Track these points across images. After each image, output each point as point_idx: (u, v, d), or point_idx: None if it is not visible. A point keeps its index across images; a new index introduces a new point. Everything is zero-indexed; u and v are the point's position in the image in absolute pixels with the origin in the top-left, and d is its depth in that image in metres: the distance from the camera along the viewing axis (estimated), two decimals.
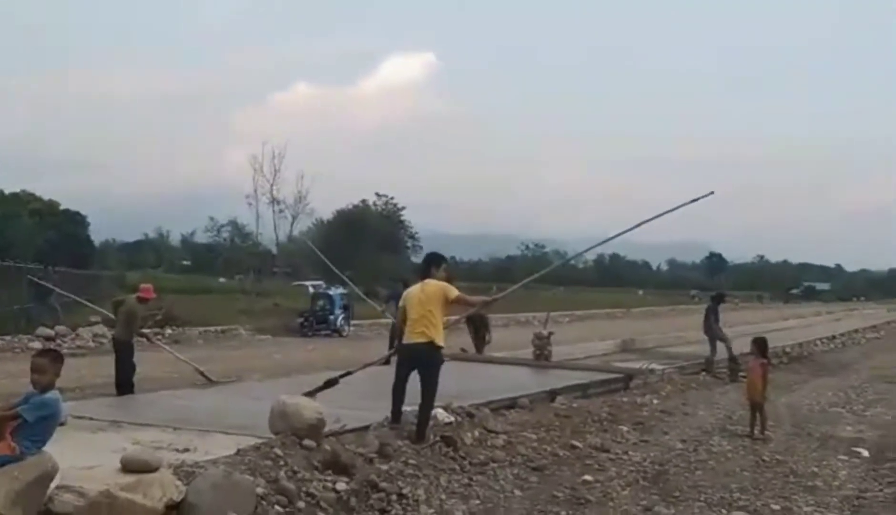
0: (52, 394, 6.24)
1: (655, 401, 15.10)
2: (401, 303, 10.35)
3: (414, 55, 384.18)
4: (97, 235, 66.01)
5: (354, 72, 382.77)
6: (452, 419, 10.49)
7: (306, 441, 8.32)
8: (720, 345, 20.06)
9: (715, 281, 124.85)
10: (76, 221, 62.42)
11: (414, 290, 10.22)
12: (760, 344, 13.34)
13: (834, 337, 33.42)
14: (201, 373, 15.63)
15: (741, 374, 17.55)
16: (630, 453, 10.82)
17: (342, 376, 11.66)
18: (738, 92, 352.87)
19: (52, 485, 6.10)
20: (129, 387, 13.70)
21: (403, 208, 78.29)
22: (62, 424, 8.15)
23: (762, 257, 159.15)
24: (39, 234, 50.63)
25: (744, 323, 34.34)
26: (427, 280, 10.20)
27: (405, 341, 10.13)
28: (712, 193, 13.00)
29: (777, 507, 8.63)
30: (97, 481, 6.22)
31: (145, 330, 15.14)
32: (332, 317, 32.72)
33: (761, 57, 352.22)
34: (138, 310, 14.16)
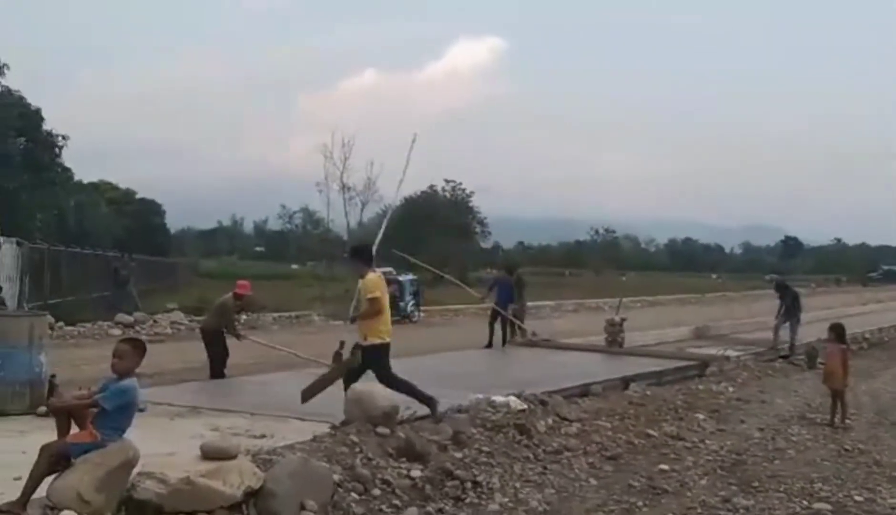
0: (129, 382, 6.34)
1: (731, 389, 14.85)
2: (379, 294, 10.03)
3: (481, 39, 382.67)
4: (173, 223, 67.41)
5: (421, 57, 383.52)
6: (525, 406, 10.44)
7: (380, 428, 8.37)
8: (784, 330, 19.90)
9: (790, 265, 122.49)
10: (153, 209, 63.82)
11: (382, 281, 10.23)
12: (838, 330, 13.03)
13: None
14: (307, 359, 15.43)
15: (819, 361, 17.17)
16: (706, 441, 10.66)
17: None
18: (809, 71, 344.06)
19: (134, 472, 6.21)
20: (220, 372, 14.05)
21: (472, 194, 78.06)
22: (141, 410, 8.33)
23: (839, 239, 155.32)
24: (117, 222, 51.78)
25: (821, 308, 33.55)
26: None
27: (389, 337, 10.13)
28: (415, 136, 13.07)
29: (860, 498, 8.42)
30: (178, 468, 6.32)
31: (239, 327, 15.32)
32: (402, 303, 32.80)
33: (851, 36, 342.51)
34: (231, 305, 14.46)
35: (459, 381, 12.90)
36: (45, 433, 6.93)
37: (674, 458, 9.74)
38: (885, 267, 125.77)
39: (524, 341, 20.56)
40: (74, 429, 6.37)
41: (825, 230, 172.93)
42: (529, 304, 24.36)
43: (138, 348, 6.50)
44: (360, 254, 10.56)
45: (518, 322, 20.83)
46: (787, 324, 20.06)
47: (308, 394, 10.36)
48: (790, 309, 20.14)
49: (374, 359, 10.03)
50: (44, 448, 6.11)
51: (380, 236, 12.75)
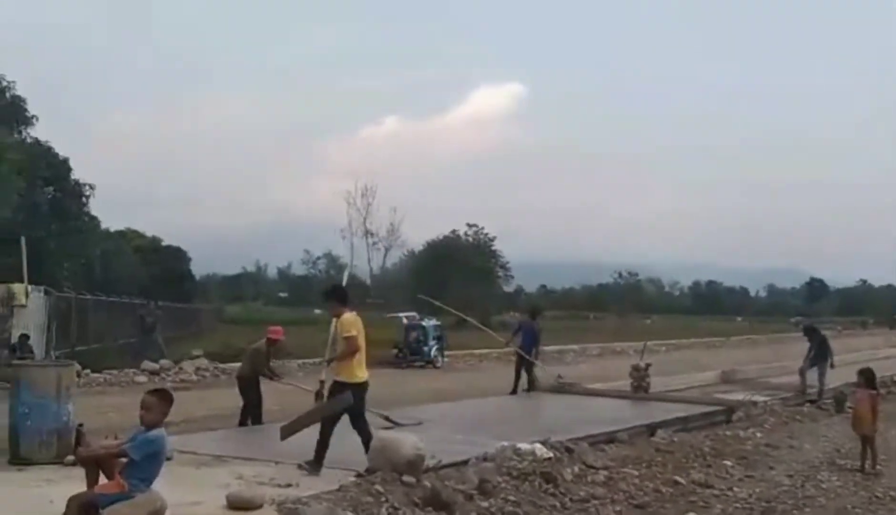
0: (157, 432, 6.39)
1: (759, 434, 14.69)
2: (355, 333, 10.06)
3: (502, 85, 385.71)
4: (198, 269, 67.81)
5: (442, 103, 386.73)
6: (551, 454, 10.39)
7: (406, 477, 8.35)
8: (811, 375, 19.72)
9: (815, 307, 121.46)
10: (178, 256, 64.26)
11: (360, 322, 10.24)
12: (868, 375, 12.89)
13: None
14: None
15: (848, 405, 16.97)
16: (735, 489, 10.53)
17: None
18: (832, 107, 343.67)
19: None
20: (258, 419, 14.09)
21: (494, 238, 78.24)
22: (168, 459, 8.35)
23: (865, 281, 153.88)
24: (143, 270, 52.17)
25: (848, 351, 33.20)
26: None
27: (365, 377, 10.13)
28: None
29: None
30: None
31: (274, 367, 15.41)
32: (425, 348, 32.81)
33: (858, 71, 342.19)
34: (264, 350, 14.44)
35: (485, 428, 12.86)
36: (72, 482, 6.98)
37: (702, 506, 9.63)
38: None
39: (549, 386, 20.47)
40: (103, 479, 6.41)
41: (850, 272, 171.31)
42: (553, 348, 24.37)
43: (165, 399, 6.55)
44: (333, 294, 10.60)
45: (536, 364, 20.74)
46: (815, 368, 19.86)
47: (288, 432, 10.41)
48: (818, 353, 19.96)
49: (337, 395, 10.05)
50: (72, 499, 6.15)
51: (344, 279, 12.98)
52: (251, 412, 14.14)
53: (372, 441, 9.08)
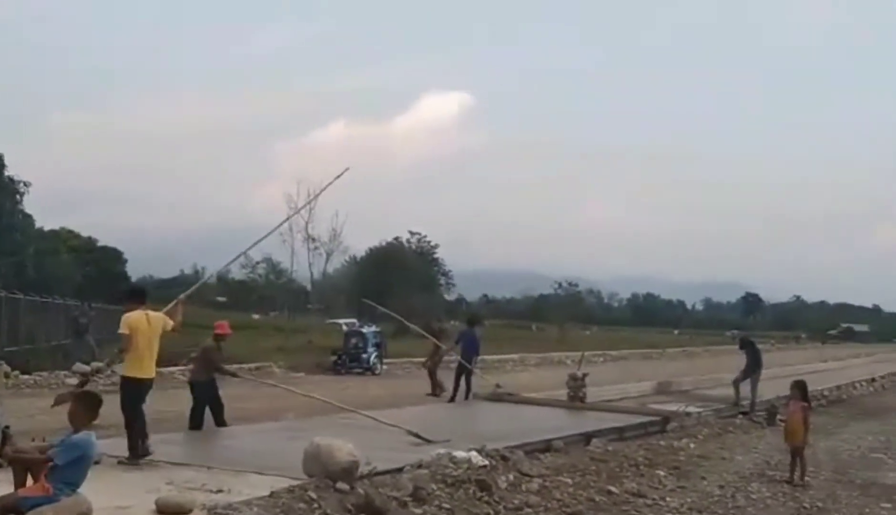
0: (83, 435, 6.27)
1: (692, 445, 14.88)
2: (126, 331, 10.64)
3: (449, 93, 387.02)
4: (134, 271, 66.77)
5: (391, 110, 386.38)
6: (486, 462, 10.39)
7: (340, 484, 8.29)
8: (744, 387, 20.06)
9: (750, 321, 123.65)
10: (113, 257, 63.24)
11: (142, 320, 10.73)
12: (802, 387, 13.12)
13: (874, 380, 32.72)
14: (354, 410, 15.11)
15: (779, 418, 17.27)
16: (667, 499, 10.64)
17: None
18: (771, 112, 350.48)
19: None
20: (221, 421, 13.94)
21: (437, 246, 78.45)
22: (97, 462, 8.20)
23: (799, 297, 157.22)
24: (78, 270, 51.24)
25: (781, 364, 33.83)
26: (149, 311, 10.96)
27: (140, 375, 10.63)
28: (347, 169, 13.90)
29: None
30: None
31: (230, 367, 15.25)
32: (364, 355, 32.65)
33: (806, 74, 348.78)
34: (213, 349, 14.25)
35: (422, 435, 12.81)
36: None
37: None
38: (845, 325, 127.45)
39: (487, 394, 20.53)
40: (31, 483, 6.27)
41: (785, 287, 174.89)
42: (493, 358, 24.54)
43: (92, 402, 6.43)
44: (128, 294, 11.60)
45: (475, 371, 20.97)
46: (748, 380, 20.18)
47: (60, 400, 10.55)
48: (750, 365, 20.30)
49: (121, 391, 10.73)
50: None
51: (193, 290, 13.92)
52: (216, 414, 13.89)
53: (306, 447, 8.99)
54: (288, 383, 24.29)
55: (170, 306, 11.78)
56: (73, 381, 22.41)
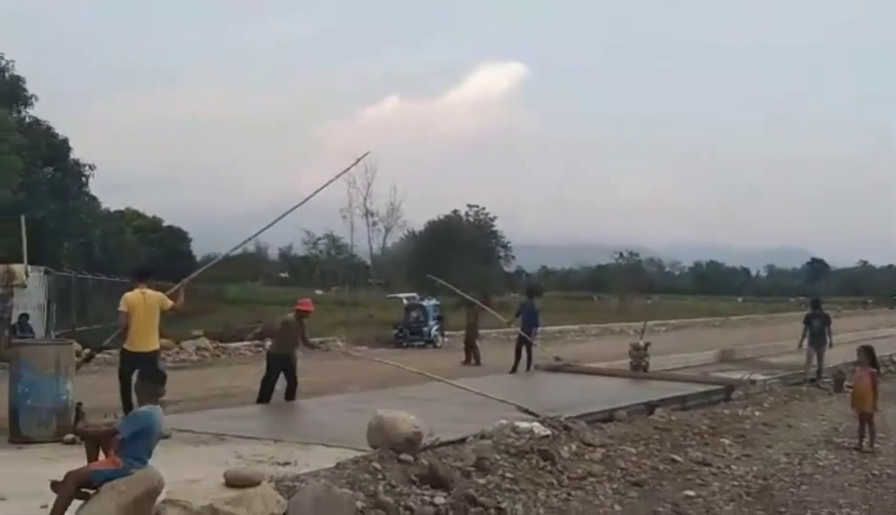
0: (145, 409, 6.44)
1: (758, 413, 14.72)
2: (124, 308, 11.47)
3: (503, 65, 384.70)
4: (199, 249, 67.72)
5: (444, 84, 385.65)
6: (549, 432, 10.41)
7: (403, 455, 8.37)
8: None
9: (815, 287, 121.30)
10: (178, 236, 64.25)
11: (139, 298, 11.52)
12: (869, 353, 12.89)
13: None
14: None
15: (847, 384, 16.98)
16: (732, 467, 10.57)
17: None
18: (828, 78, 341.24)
19: (159, 499, 6.25)
20: (291, 394, 14.12)
21: (495, 219, 78.07)
22: (166, 437, 8.40)
23: (865, 261, 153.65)
24: (143, 250, 52.18)
25: (848, 330, 33.20)
26: (147, 290, 11.70)
27: (137, 348, 11.36)
28: (367, 152, 14.46)
29: None
30: (201, 496, 6.35)
31: (315, 340, 15.54)
32: (425, 328, 32.85)
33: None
34: (293, 323, 14.39)
35: (484, 406, 12.88)
36: (71, 460, 6.99)
37: (699, 484, 9.67)
38: None
39: (548, 365, 20.54)
40: (102, 457, 6.45)
41: (851, 252, 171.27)
42: (553, 329, 24.58)
43: (153, 377, 6.63)
44: (134, 274, 12.60)
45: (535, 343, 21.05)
46: (814, 347, 19.76)
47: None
48: (818, 332, 19.81)
49: (119, 362, 11.69)
50: (68, 476, 6.17)
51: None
52: (289, 389, 14.03)
53: (370, 419, 9.09)
54: (349, 356, 24.54)
55: (174, 288, 12.74)
56: None
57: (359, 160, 14.37)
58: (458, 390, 14.30)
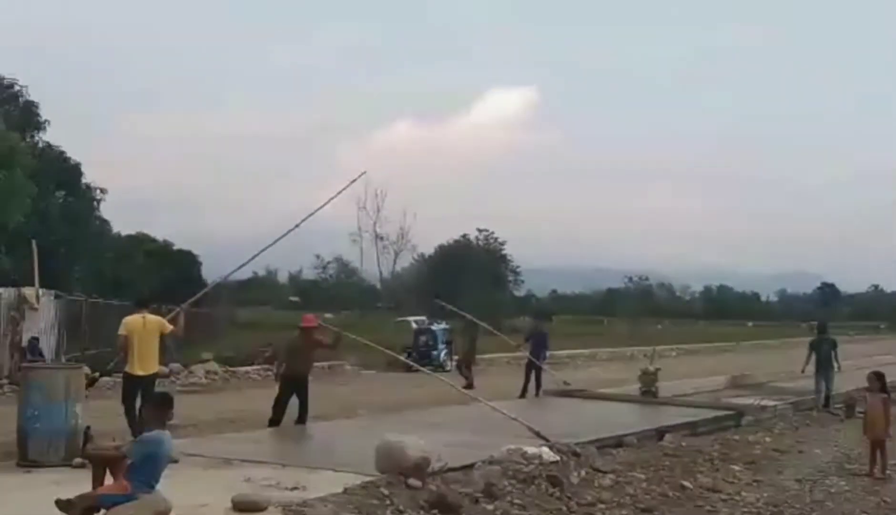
0: (153, 434, 6.44)
1: (768, 439, 14.64)
2: (123, 332, 11.91)
3: (514, 89, 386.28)
4: (209, 273, 67.79)
5: (455, 107, 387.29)
6: (558, 457, 10.37)
7: (412, 481, 8.35)
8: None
9: (827, 313, 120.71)
10: (189, 260, 64.39)
11: (139, 323, 11.91)
12: (880, 378, 12.81)
13: None
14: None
15: (858, 410, 16.86)
16: (743, 493, 10.50)
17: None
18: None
19: None
20: (302, 419, 14.00)
21: (505, 243, 78.24)
22: (175, 461, 8.39)
23: (877, 286, 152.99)
24: (154, 274, 52.32)
25: (860, 356, 33.01)
26: (147, 315, 12.09)
27: (136, 371, 11.74)
28: (363, 172, 14.62)
29: None
30: None
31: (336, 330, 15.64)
32: (434, 352, 32.77)
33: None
34: (298, 342, 14.30)
35: (492, 431, 12.83)
36: (79, 484, 7.00)
37: (709, 511, 9.61)
38: None
39: (558, 390, 20.50)
40: (109, 481, 6.46)
41: (862, 278, 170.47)
42: (563, 353, 24.57)
43: (163, 402, 6.63)
44: (135, 302, 12.86)
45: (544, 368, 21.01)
46: (821, 373, 19.60)
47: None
48: (827, 357, 19.69)
49: (122, 385, 12.12)
50: (76, 500, 6.18)
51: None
52: (301, 412, 13.93)
53: (378, 444, 9.08)
54: (360, 380, 24.53)
55: (173, 313, 13.20)
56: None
57: (354, 181, 14.55)
58: (465, 415, 14.25)
